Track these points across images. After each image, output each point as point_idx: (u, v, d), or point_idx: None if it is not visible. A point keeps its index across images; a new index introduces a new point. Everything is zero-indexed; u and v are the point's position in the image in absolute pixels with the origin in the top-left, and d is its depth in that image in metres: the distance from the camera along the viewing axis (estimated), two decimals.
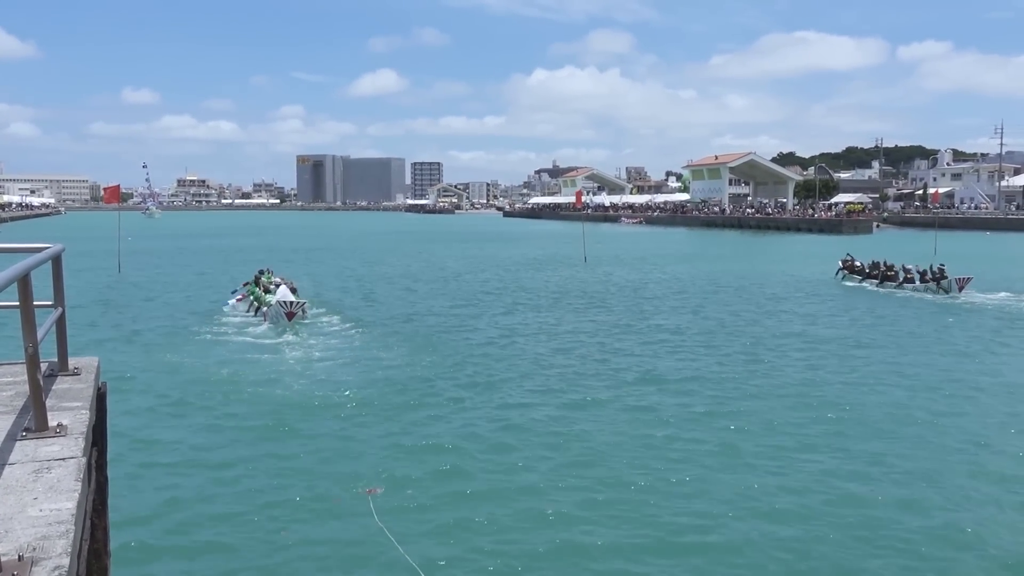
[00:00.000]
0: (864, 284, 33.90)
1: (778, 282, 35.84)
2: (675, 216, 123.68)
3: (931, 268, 31.66)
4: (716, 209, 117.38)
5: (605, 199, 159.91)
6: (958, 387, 15.82)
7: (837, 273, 36.36)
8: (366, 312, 26.05)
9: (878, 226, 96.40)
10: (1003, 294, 30.17)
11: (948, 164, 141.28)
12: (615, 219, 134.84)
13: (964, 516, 9.50)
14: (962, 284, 30.32)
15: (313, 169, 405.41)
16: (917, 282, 31.71)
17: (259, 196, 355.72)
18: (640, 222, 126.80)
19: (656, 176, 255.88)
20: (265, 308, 23.69)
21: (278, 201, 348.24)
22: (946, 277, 30.66)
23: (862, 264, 35.37)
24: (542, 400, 14.65)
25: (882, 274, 33.52)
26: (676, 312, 26.57)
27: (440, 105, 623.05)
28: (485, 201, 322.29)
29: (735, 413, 13.78)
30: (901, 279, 32.68)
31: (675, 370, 17.32)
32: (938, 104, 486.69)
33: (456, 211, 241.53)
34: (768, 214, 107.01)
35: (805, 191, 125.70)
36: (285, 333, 21.08)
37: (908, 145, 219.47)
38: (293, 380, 15.81)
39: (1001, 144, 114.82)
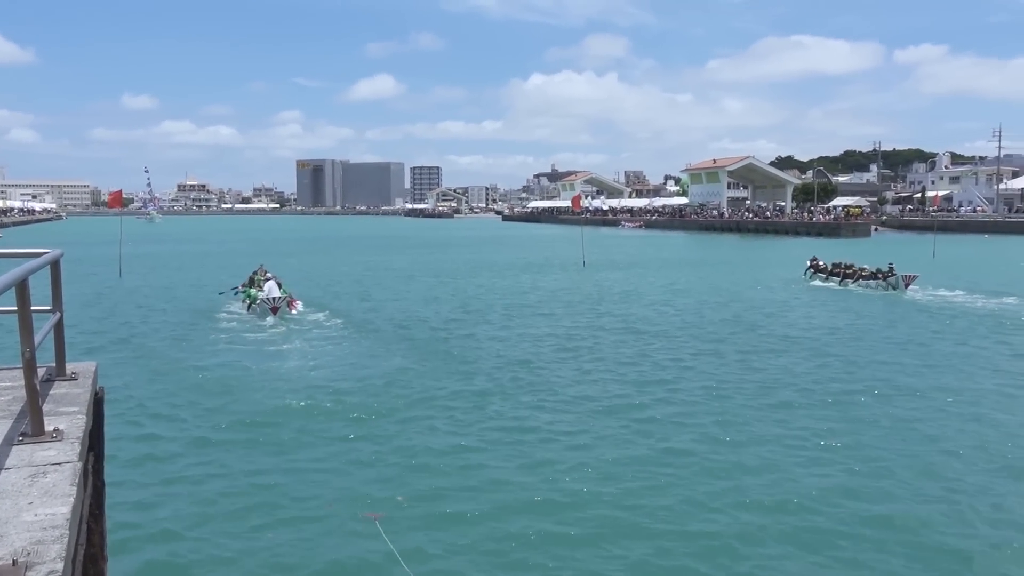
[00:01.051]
0: (828, 283, 36.55)
1: (771, 285, 36.08)
2: (673, 220, 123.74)
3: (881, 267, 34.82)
4: (715, 213, 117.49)
5: (604, 203, 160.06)
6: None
7: (805, 272, 39.03)
8: (363, 318, 26.07)
9: (876, 229, 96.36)
10: (944, 291, 32.22)
11: (946, 167, 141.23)
12: (614, 223, 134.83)
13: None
14: (908, 282, 33.35)
15: (312, 173, 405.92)
16: (870, 279, 34.68)
17: (259, 200, 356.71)
18: (640, 226, 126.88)
19: (654, 180, 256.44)
20: (255, 304, 25.10)
21: (278, 205, 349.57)
22: (894, 275, 33.55)
23: (826, 264, 38.49)
24: (544, 411, 14.58)
25: (842, 272, 36.58)
26: (672, 318, 26.59)
27: (438, 110, 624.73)
28: (484, 205, 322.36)
29: (730, 418, 13.83)
30: (856, 277, 35.55)
31: (674, 378, 17.35)
32: (936, 107, 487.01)
33: (455, 215, 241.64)
34: (767, 218, 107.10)
35: (803, 194, 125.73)
36: (286, 342, 21.05)
37: (906, 148, 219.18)
38: (291, 389, 15.79)
39: (999, 147, 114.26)
